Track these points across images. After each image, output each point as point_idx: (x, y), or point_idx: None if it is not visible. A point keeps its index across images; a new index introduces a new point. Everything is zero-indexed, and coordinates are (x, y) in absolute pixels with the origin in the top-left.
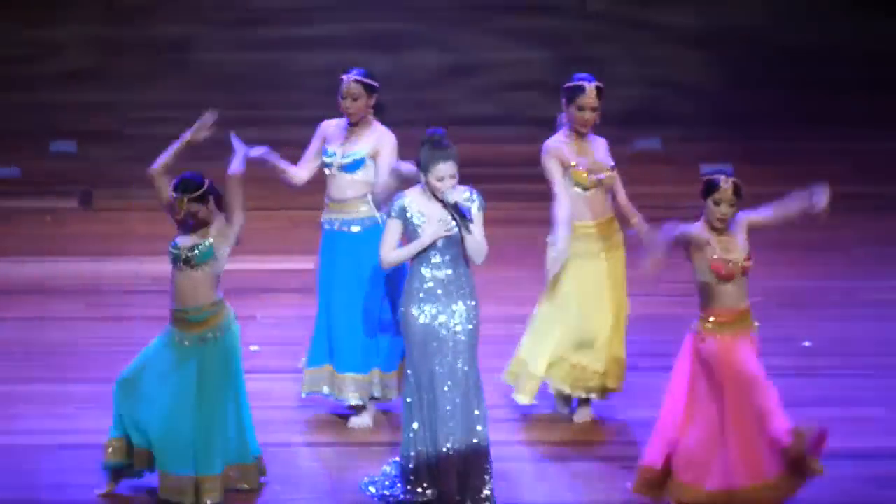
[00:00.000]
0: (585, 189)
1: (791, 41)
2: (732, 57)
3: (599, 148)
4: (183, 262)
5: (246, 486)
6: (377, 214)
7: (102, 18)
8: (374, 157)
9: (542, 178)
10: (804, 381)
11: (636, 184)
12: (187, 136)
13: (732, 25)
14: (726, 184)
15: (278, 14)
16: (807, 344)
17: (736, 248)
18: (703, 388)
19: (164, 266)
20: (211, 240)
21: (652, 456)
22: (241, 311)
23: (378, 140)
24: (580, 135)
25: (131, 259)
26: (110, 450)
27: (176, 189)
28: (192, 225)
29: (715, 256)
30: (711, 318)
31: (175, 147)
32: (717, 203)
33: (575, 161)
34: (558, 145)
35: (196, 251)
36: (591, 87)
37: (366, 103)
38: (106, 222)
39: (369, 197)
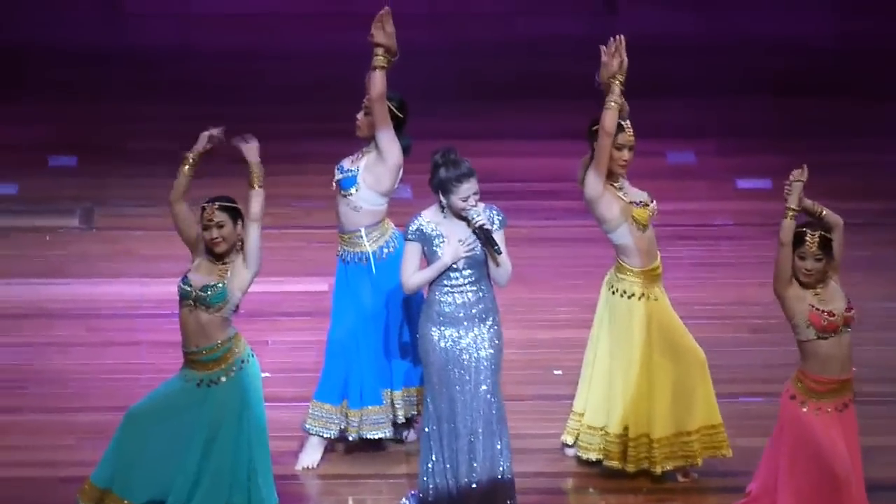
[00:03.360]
0: (644, 228)
1: (830, 46)
2: (770, 64)
3: (627, 184)
4: (193, 300)
5: None
6: (369, 250)
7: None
8: (373, 168)
9: (565, 195)
10: None
11: (668, 200)
12: (190, 154)
13: (768, 31)
14: (812, 238)
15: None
16: None
17: (834, 297)
18: (796, 454)
19: (168, 288)
20: (225, 282)
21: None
22: (253, 335)
23: (374, 154)
24: (612, 178)
25: (134, 280)
26: (86, 487)
27: (208, 201)
28: (215, 248)
29: (812, 307)
30: (808, 384)
31: (183, 168)
32: (802, 258)
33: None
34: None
35: (208, 292)
36: (628, 123)
37: (374, 123)
38: (107, 242)
39: (363, 231)
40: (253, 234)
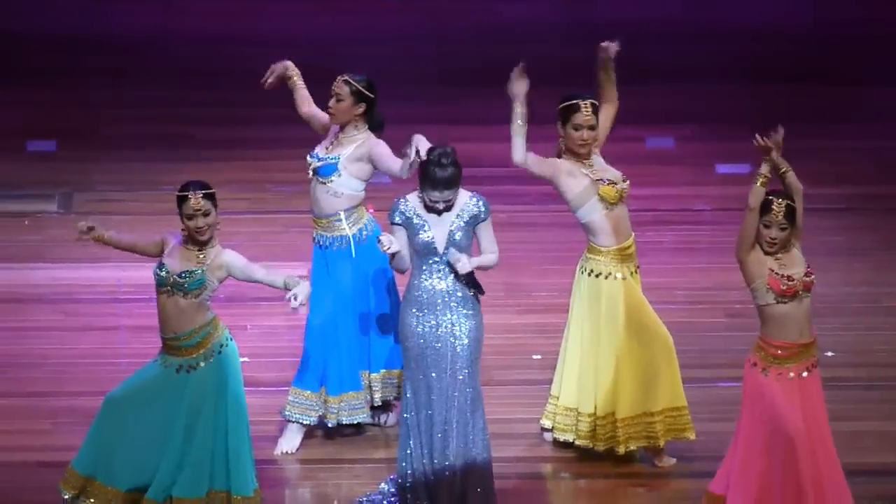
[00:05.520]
0: (612, 207)
1: (807, 33)
2: (749, 51)
3: (601, 162)
4: (171, 286)
5: None
6: (349, 234)
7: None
8: (357, 162)
9: (543, 180)
10: (827, 395)
11: (648, 185)
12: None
13: (747, 18)
14: (779, 206)
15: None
16: (829, 354)
17: (794, 262)
18: (753, 418)
19: (147, 273)
20: (204, 268)
21: (718, 484)
22: (231, 321)
23: (361, 146)
24: (580, 157)
25: (112, 265)
26: (68, 475)
27: (185, 189)
28: (201, 236)
29: (771, 271)
30: (769, 350)
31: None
32: (767, 226)
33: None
34: (572, 167)
35: (186, 279)
36: (585, 103)
37: (349, 108)
38: None
39: (342, 215)
40: (261, 274)
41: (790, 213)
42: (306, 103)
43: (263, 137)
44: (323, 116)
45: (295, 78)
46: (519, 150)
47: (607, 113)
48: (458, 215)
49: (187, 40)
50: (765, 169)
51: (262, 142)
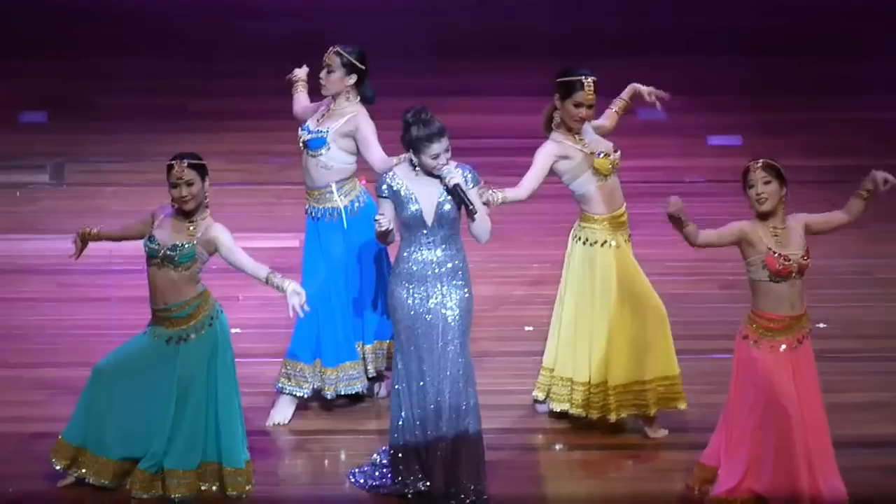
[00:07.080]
0: (606, 178)
1: (802, 5)
2: (741, 23)
3: (590, 133)
4: (161, 259)
5: (234, 492)
6: (341, 205)
7: None
8: (345, 137)
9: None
10: (819, 366)
11: (639, 157)
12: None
13: None
14: (755, 166)
15: None
16: (821, 326)
17: (792, 243)
18: (745, 392)
19: (138, 243)
20: (195, 241)
21: (710, 455)
22: (224, 291)
23: (349, 122)
24: (574, 131)
25: None
26: (58, 446)
27: (174, 158)
28: (184, 206)
29: (769, 250)
30: (761, 322)
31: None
32: (751, 186)
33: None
34: (563, 148)
35: (176, 252)
36: (588, 81)
37: (340, 79)
38: (78, 198)
39: (334, 187)
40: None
41: (769, 167)
42: (298, 104)
43: (256, 109)
44: (309, 108)
45: (300, 84)
46: (520, 195)
47: (611, 122)
48: (447, 189)
49: (182, 11)
50: (684, 218)
51: (255, 113)
